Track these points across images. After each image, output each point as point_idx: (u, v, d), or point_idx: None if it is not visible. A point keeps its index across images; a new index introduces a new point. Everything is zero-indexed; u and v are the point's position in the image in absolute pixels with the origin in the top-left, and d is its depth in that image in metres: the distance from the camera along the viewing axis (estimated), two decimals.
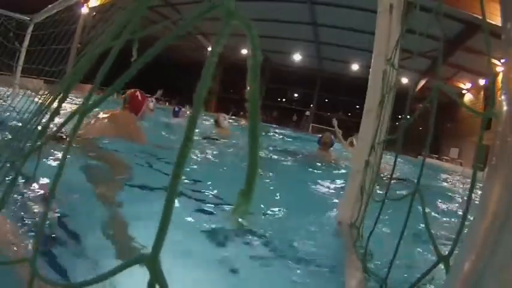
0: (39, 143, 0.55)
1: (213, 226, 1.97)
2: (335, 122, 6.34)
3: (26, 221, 1.50)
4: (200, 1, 15.17)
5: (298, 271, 1.66)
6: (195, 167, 3.21)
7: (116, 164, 2.73)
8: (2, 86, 6.41)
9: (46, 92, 1.78)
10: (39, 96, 2.75)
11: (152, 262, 0.27)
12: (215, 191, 2.63)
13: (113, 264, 0.31)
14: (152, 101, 8.47)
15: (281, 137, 11.31)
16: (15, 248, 1.01)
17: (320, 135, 5.80)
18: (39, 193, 1.81)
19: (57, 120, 0.64)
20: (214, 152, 4.46)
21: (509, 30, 0.46)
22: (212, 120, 7.01)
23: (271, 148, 6.20)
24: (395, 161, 1.18)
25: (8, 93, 5.76)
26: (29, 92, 4.07)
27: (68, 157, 0.44)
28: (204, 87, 0.28)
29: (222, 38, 0.29)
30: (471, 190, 0.60)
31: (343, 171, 4.61)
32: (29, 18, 6.11)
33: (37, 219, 1.51)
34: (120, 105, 3.41)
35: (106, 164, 2.70)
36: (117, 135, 3.09)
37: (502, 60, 0.46)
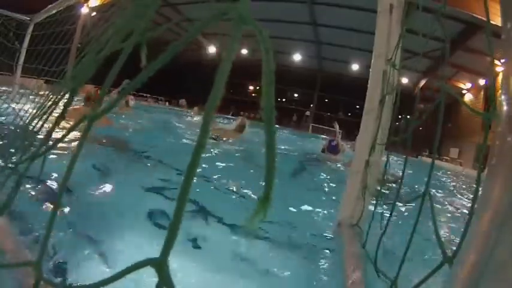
0: (44, 147, 0.55)
1: (213, 227, 1.98)
2: (336, 126, 6.42)
3: (30, 224, 1.50)
4: (200, 1, 15.15)
5: (298, 271, 1.66)
6: (206, 167, 3.23)
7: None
8: (2, 86, 6.41)
9: (48, 93, 1.79)
10: (40, 97, 2.76)
11: (161, 265, 0.27)
12: (223, 192, 2.63)
13: (120, 266, 0.31)
14: (132, 99, 8.54)
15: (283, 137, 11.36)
16: (17, 251, 1.01)
17: (329, 141, 5.84)
18: (43, 196, 1.82)
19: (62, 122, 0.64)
20: (222, 153, 4.49)
21: (509, 30, 0.46)
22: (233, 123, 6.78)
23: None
24: (405, 163, 1.17)
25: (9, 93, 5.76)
26: (28, 91, 4.08)
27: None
28: (217, 96, 0.28)
29: (234, 43, 0.29)
30: (476, 191, 0.60)
31: (343, 170, 4.62)
32: (29, 18, 6.11)
33: (43, 222, 1.51)
34: (83, 101, 4.32)
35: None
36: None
37: (502, 60, 0.46)
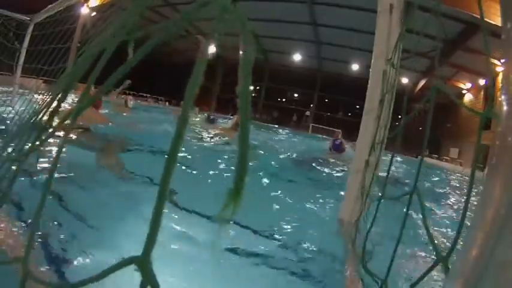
0: (38, 142, 0.55)
1: (209, 224, 1.97)
2: (339, 132, 6.55)
3: (25, 220, 1.50)
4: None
5: (299, 270, 1.66)
6: (191, 165, 3.23)
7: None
8: (2, 86, 6.40)
9: (45, 92, 1.79)
10: (39, 96, 2.76)
11: (144, 263, 0.26)
12: (209, 190, 2.63)
13: (105, 265, 0.31)
14: (131, 99, 8.59)
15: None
16: (12, 247, 1.01)
17: (334, 140, 5.91)
18: (37, 191, 1.81)
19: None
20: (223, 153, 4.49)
21: (509, 30, 0.46)
22: (229, 122, 6.82)
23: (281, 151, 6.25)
24: (391, 160, 1.18)
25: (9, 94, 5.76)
26: (28, 91, 4.09)
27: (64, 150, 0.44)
28: (195, 84, 0.28)
29: (215, 33, 0.29)
30: (469, 190, 0.60)
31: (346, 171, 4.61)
32: (29, 18, 6.11)
33: (31, 218, 1.51)
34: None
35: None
36: (90, 122, 4.27)
37: (502, 60, 0.46)
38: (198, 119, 8.51)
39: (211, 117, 7.83)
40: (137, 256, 0.27)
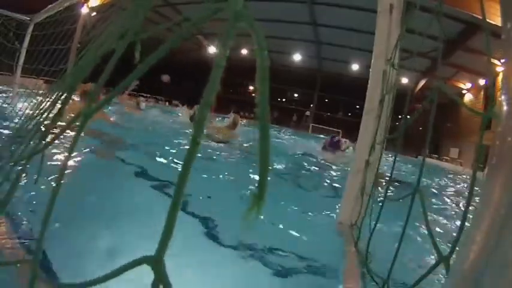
0: (42, 144, 0.55)
1: (213, 224, 1.98)
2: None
3: (28, 222, 1.50)
4: (200, 1, 15.17)
5: (298, 270, 1.66)
6: (203, 167, 3.23)
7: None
8: (2, 86, 6.41)
9: (46, 92, 1.79)
10: (39, 96, 2.77)
11: (157, 263, 0.27)
12: (221, 192, 2.63)
13: (117, 264, 0.31)
14: (143, 101, 8.61)
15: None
16: (14, 249, 1.01)
17: (331, 137, 5.92)
18: (41, 193, 1.81)
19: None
20: (222, 153, 4.50)
21: (509, 30, 0.46)
22: (225, 121, 6.83)
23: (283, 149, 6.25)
24: (394, 161, 1.18)
25: (9, 94, 5.76)
26: (28, 91, 4.10)
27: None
28: (212, 92, 0.28)
29: (228, 40, 0.29)
30: (471, 190, 0.60)
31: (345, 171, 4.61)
32: (29, 18, 6.11)
33: (40, 219, 1.51)
34: (79, 97, 4.28)
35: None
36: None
37: (502, 60, 0.46)
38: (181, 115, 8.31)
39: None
40: (150, 256, 0.27)
